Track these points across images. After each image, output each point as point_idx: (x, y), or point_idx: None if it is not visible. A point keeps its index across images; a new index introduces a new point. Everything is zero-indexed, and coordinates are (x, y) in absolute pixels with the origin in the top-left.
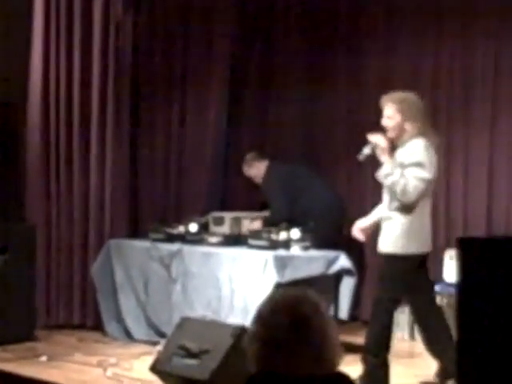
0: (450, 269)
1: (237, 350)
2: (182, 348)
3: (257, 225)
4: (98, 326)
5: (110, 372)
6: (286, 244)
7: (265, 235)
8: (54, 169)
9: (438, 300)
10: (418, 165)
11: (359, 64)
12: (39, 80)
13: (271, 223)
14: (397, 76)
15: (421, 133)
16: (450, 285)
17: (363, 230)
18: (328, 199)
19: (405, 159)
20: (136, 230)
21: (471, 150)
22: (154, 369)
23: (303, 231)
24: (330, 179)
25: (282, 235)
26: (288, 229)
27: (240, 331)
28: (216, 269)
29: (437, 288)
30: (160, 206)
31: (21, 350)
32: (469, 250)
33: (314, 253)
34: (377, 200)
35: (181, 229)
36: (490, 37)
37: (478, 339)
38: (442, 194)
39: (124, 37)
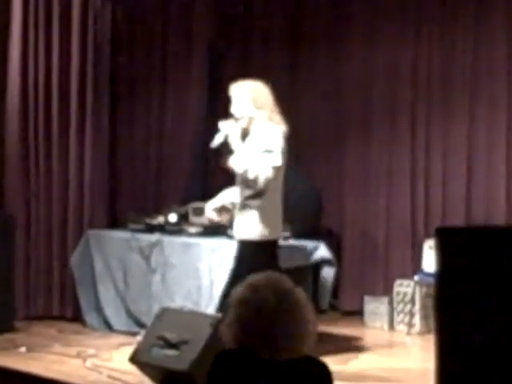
0: (429, 259)
1: (216, 340)
2: (162, 338)
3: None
4: (78, 317)
5: (89, 363)
6: None
7: None
8: (33, 159)
9: (417, 290)
10: (269, 152)
11: (339, 58)
12: (18, 73)
13: None
14: (376, 69)
15: (270, 120)
16: (429, 274)
17: (215, 210)
18: (302, 189)
19: (256, 146)
20: (115, 221)
21: (450, 142)
22: (133, 359)
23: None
24: (309, 169)
25: None
26: None
27: (219, 321)
28: (196, 259)
29: (416, 278)
30: (139, 196)
31: (0, 341)
32: (447, 240)
33: (293, 243)
34: (355, 189)
35: (160, 219)
36: (468, 29)
37: (457, 328)
38: (420, 184)
39: (103, 29)
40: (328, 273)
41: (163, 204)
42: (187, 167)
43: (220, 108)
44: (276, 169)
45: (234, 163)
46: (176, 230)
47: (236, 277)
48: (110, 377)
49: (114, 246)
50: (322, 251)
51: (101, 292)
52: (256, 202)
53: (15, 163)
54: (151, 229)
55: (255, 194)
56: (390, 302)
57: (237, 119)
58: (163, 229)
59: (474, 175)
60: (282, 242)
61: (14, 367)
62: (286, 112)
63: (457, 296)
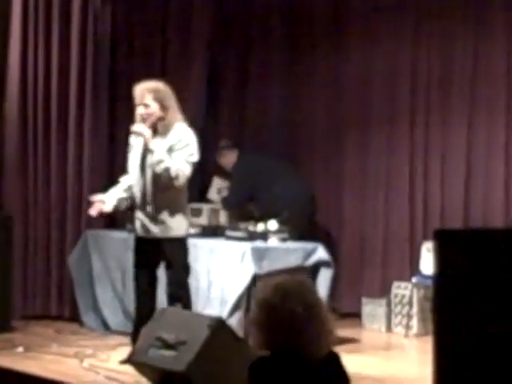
0: (427, 261)
1: (214, 342)
2: (159, 339)
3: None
4: (75, 317)
5: (86, 363)
6: (264, 235)
7: (242, 226)
8: (32, 159)
9: (415, 292)
10: (188, 149)
11: (338, 60)
12: (17, 72)
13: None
14: (375, 72)
15: (180, 119)
16: (427, 277)
17: (100, 203)
18: (296, 191)
19: (174, 144)
20: (113, 221)
21: (448, 144)
22: (130, 360)
23: (280, 223)
24: (308, 171)
25: (260, 227)
26: (265, 220)
27: (217, 322)
28: (193, 260)
29: (414, 280)
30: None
31: None
32: (446, 242)
33: (291, 244)
34: (354, 191)
35: None
36: (467, 35)
37: (455, 331)
38: (419, 186)
39: (102, 29)
40: (325, 274)
41: None
42: None
43: (219, 108)
44: (194, 165)
45: (154, 163)
46: None
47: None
48: (107, 377)
49: (112, 246)
50: (320, 253)
51: (98, 292)
52: (173, 200)
53: (13, 164)
54: None
55: (174, 191)
56: (388, 304)
57: (145, 120)
58: None
59: (472, 178)
60: (276, 244)
61: (11, 367)
62: (284, 114)
63: (455, 298)
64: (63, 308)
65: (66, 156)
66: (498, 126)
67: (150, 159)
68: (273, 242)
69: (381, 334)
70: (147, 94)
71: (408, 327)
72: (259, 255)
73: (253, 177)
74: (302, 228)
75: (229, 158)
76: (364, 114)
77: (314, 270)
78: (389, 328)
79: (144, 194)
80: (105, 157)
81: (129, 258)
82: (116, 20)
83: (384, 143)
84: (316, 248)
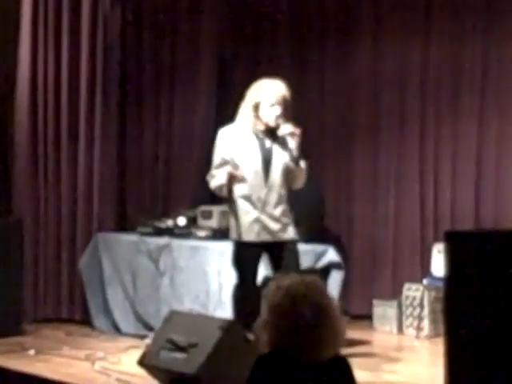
0: (438, 262)
1: (225, 344)
2: (170, 342)
3: None
4: (86, 320)
5: (97, 366)
6: None
7: None
8: (42, 162)
9: (426, 294)
10: None
11: (348, 61)
12: (27, 76)
13: None
14: (385, 71)
15: None
16: (437, 278)
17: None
18: (306, 193)
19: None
20: (124, 224)
21: (459, 144)
22: (141, 362)
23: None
24: (318, 174)
25: None
26: None
27: (228, 325)
28: (204, 263)
29: (425, 282)
30: (148, 199)
31: (8, 343)
32: (456, 244)
33: (302, 246)
34: (364, 192)
35: (169, 223)
36: (478, 29)
37: (466, 332)
38: (430, 188)
39: (112, 32)
40: (336, 277)
41: (172, 207)
42: (196, 171)
43: (229, 110)
44: None
45: (303, 164)
46: (185, 233)
47: None
48: (118, 380)
49: (122, 249)
50: (331, 255)
51: (109, 295)
52: (287, 201)
53: (24, 167)
54: (160, 232)
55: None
56: (399, 306)
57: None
58: (172, 232)
59: (483, 179)
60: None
61: (22, 370)
62: (294, 116)
63: (466, 300)
64: (74, 311)
65: (77, 159)
66: (509, 127)
67: (302, 162)
68: None
69: (392, 336)
70: (286, 95)
71: (419, 329)
72: None
73: None
74: (312, 230)
75: None
76: (374, 114)
77: (325, 272)
78: (400, 330)
79: (269, 196)
80: (115, 158)
81: (139, 261)
82: (125, 22)
83: (394, 145)
84: (326, 250)
